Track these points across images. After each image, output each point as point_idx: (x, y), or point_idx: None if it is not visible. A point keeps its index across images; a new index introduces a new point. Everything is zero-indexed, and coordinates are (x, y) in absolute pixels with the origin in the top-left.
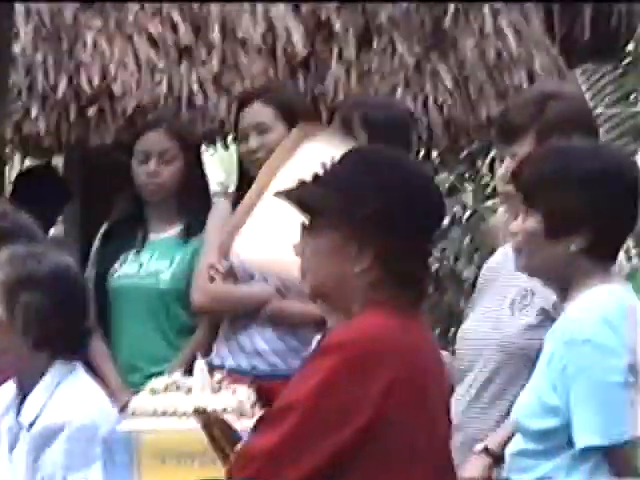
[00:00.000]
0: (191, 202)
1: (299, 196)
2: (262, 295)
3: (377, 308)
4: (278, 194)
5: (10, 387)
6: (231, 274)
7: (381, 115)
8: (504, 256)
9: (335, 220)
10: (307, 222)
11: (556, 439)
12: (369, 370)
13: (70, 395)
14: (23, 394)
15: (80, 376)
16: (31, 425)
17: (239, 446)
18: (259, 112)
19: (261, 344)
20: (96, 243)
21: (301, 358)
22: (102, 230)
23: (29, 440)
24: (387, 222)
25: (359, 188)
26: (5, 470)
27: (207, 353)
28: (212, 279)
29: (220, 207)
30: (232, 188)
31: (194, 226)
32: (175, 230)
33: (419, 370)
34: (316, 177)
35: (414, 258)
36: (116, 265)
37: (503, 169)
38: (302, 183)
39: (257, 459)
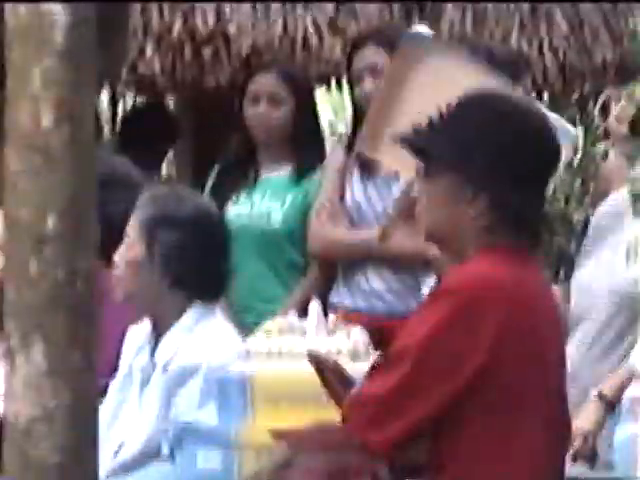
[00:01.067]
0: (302, 144)
1: (415, 142)
2: (373, 239)
3: (490, 252)
4: (394, 138)
5: (144, 326)
6: (344, 216)
7: (504, 53)
8: (617, 202)
9: (450, 165)
10: (423, 166)
11: None
12: (479, 317)
13: (207, 337)
14: (157, 334)
15: (218, 319)
16: (165, 365)
17: (353, 391)
18: (373, 54)
19: (378, 283)
20: (209, 183)
21: (417, 297)
22: (215, 170)
23: (164, 380)
24: (502, 167)
25: (474, 134)
26: (136, 407)
27: (319, 293)
28: (322, 221)
29: (335, 153)
30: (342, 128)
31: (305, 167)
32: (286, 170)
33: (532, 318)
34: (431, 122)
35: (529, 203)
36: (229, 204)
37: (618, 109)
38: (417, 128)
39: (369, 406)
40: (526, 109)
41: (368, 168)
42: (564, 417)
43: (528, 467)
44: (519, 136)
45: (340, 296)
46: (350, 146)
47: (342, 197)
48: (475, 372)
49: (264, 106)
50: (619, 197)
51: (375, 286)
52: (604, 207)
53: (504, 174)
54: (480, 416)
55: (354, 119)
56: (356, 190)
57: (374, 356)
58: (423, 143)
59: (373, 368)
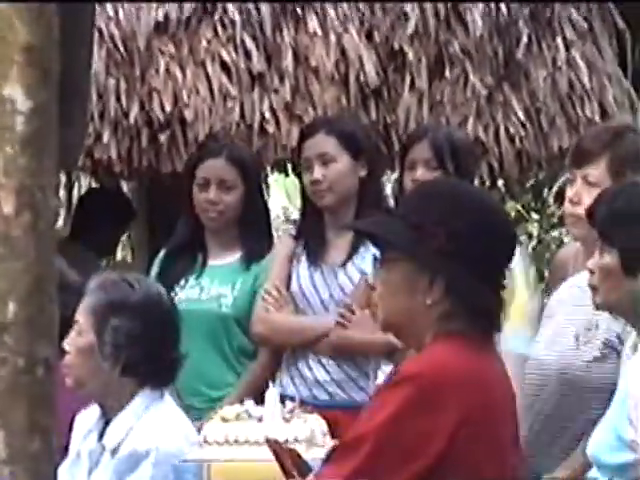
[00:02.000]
0: (251, 229)
1: (372, 228)
2: (321, 326)
3: (448, 340)
4: (350, 226)
5: (92, 411)
6: (289, 303)
7: (462, 140)
8: (570, 288)
9: (407, 252)
10: (379, 254)
11: (633, 474)
12: (440, 402)
13: (157, 421)
14: (106, 419)
15: (168, 403)
16: (115, 449)
17: (311, 477)
18: (323, 142)
19: (320, 373)
20: (155, 267)
21: (360, 388)
22: (161, 254)
23: (113, 464)
24: (459, 254)
25: (431, 220)
26: None
27: (267, 381)
28: (268, 307)
29: (283, 241)
30: (296, 214)
31: (254, 252)
32: (235, 256)
33: (490, 402)
34: (388, 210)
35: (486, 290)
36: (177, 289)
37: (573, 190)
38: (374, 216)
39: None
40: (482, 197)
41: (315, 256)
42: None
43: None
44: (476, 223)
45: (283, 386)
46: (299, 233)
47: (289, 283)
48: (435, 457)
49: (214, 191)
50: (574, 283)
51: (318, 376)
52: (557, 293)
53: (460, 261)
54: None
55: (303, 206)
56: (302, 277)
57: (330, 444)
58: (379, 229)
59: (332, 452)
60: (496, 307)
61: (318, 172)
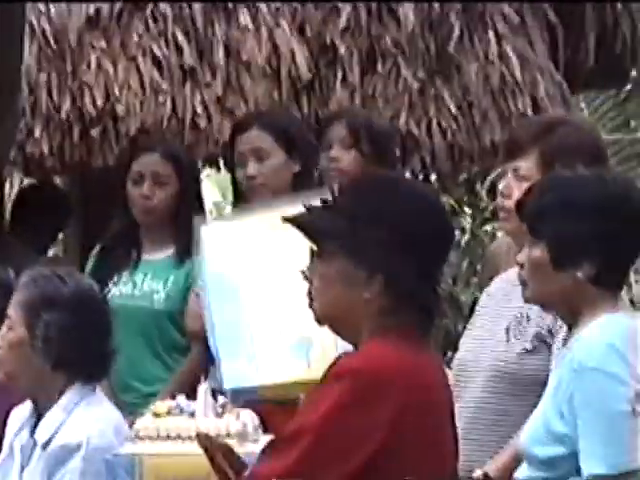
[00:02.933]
0: (185, 225)
1: (308, 221)
2: None
3: (385, 334)
4: (286, 219)
5: (25, 406)
6: None
7: (380, 126)
8: (501, 283)
9: (345, 246)
10: (316, 247)
11: (563, 467)
12: (378, 397)
13: (87, 416)
14: (38, 413)
15: (98, 398)
16: (46, 444)
17: (246, 472)
18: (257, 137)
19: None
20: (89, 263)
21: None
22: (95, 250)
23: (44, 458)
24: (397, 248)
25: (369, 213)
26: None
27: (199, 376)
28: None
29: None
30: (228, 209)
31: (187, 248)
32: (168, 252)
33: (426, 396)
34: (324, 203)
35: (424, 286)
36: (110, 285)
37: (504, 184)
38: (310, 208)
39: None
40: (419, 190)
41: None
42: None
43: None
44: (413, 216)
45: (217, 380)
46: None
47: None
48: (375, 449)
49: (148, 186)
50: (505, 277)
51: None
52: (489, 289)
53: (399, 256)
54: None
55: (235, 202)
56: None
57: (263, 438)
58: (315, 221)
59: (269, 446)
60: (434, 302)
61: (253, 168)
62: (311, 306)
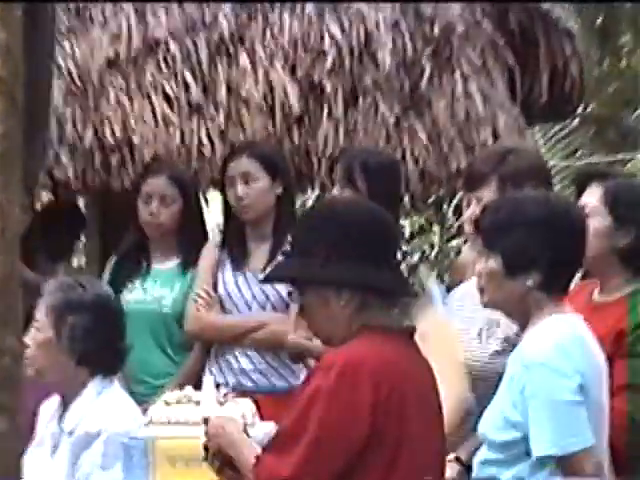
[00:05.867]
0: (188, 239)
1: (274, 276)
2: (246, 324)
3: (365, 331)
4: (262, 282)
5: (53, 400)
6: (216, 303)
7: (377, 161)
8: (468, 289)
9: (308, 282)
10: (294, 290)
11: (516, 449)
12: (358, 387)
13: (107, 405)
14: (65, 404)
15: (116, 389)
16: (72, 431)
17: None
18: (246, 164)
19: (245, 363)
20: (107, 273)
21: (280, 375)
22: (111, 261)
23: (70, 444)
24: (344, 256)
25: (313, 241)
26: (48, 470)
27: (201, 370)
28: (198, 308)
29: (210, 249)
30: None
31: (191, 259)
32: (174, 262)
33: (402, 387)
34: (284, 253)
35: (386, 275)
36: (125, 291)
37: (469, 212)
38: (276, 264)
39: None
40: (353, 205)
41: (238, 263)
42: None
43: None
44: (347, 227)
45: (213, 374)
46: (223, 243)
47: (216, 287)
48: (365, 432)
49: (156, 205)
50: (469, 285)
51: (243, 365)
52: (455, 294)
53: (351, 260)
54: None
55: (226, 219)
56: (228, 281)
57: (259, 424)
58: (281, 274)
59: (273, 441)
60: (404, 286)
61: (241, 190)
62: (316, 335)
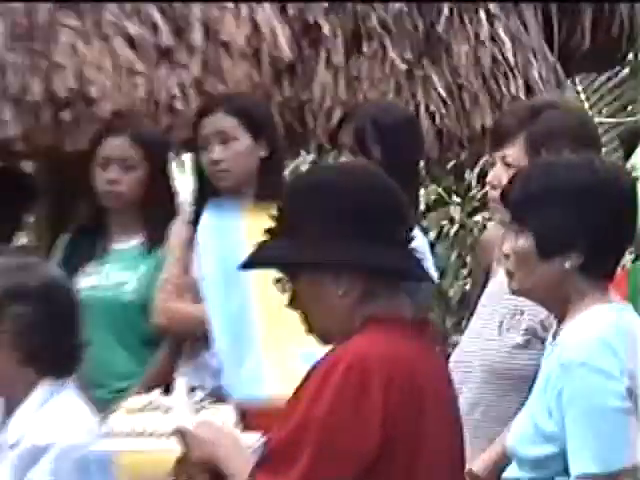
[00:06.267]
0: (154, 212)
1: (256, 259)
2: None
3: (372, 324)
4: (241, 267)
5: None
6: (189, 290)
7: (393, 120)
8: (500, 280)
9: (297, 260)
10: (283, 276)
11: (552, 467)
12: (367, 390)
13: (58, 413)
14: (8, 411)
15: (70, 394)
16: (16, 444)
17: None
18: (222, 121)
19: None
20: (58, 252)
21: None
22: (64, 239)
23: (14, 459)
24: (339, 232)
25: (300, 214)
26: None
27: (173, 370)
28: (167, 296)
29: (178, 227)
30: None
31: (158, 237)
32: (138, 240)
33: (417, 387)
34: (268, 231)
35: (395, 255)
36: (80, 275)
37: (492, 172)
38: (259, 245)
39: None
40: (349, 174)
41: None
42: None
43: None
44: (338, 197)
45: (185, 375)
46: (196, 219)
47: (188, 270)
48: (375, 443)
49: (115, 171)
50: (499, 280)
51: None
52: (489, 287)
53: (350, 243)
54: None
55: (199, 189)
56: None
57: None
58: (264, 257)
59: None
60: (408, 264)
61: (217, 152)
62: (310, 331)
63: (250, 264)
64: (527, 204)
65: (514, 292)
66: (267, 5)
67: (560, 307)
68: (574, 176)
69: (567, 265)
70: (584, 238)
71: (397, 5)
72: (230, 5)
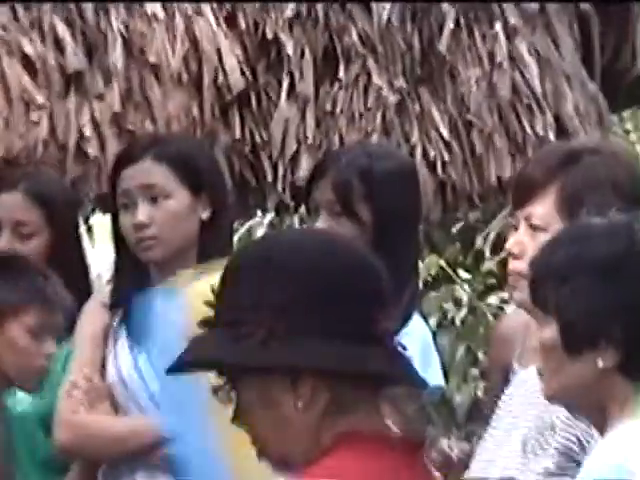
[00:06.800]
0: None
1: (189, 360)
2: (149, 431)
3: (344, 444)
4: (169, 371)
5: None
6: (105, 397)
7: (386, 169)
8: (524, 381)
9: (240, 362)
10: (224, 382)
11: None
12: None
13: None
14: None
15: None
16: None
17: None
18: (150, 171)
19: None
20: None
21: None
22: None
23: None
24: (304, 325)
25: (245, 307)
26: None
27: None
28: (75, 407)
29: (92, 311)
30: None
31: (65, 324)
32: None
33: None
34: (204, 322)
35: (372, 353)
36: None
37: (513, 238)
38: (192, 340)
39: None
40: (305, 242)
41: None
42: None
43: None
44: (301, 283)
45: None
46: (115, 302)
47: (103, 371)
48: None
49: (7, 238)
50: (530, 372)
51: None
52: (510, 386)
53: (308, 335)
54: None
55: (119, 260)
56: (123, 362)
57: None
58: (195, 356)
59: None
60: (389, 360)
61: (143, 212)
62: (261, 455)
63: (178, 366)
64: (549, 281)
65: (548, 399)
66: (210, 14)
67: (600, 417)
68: (607, 246)
69: (600, 363)
70: (620, 326)
71: (384, 16)
72: (161, 15)
